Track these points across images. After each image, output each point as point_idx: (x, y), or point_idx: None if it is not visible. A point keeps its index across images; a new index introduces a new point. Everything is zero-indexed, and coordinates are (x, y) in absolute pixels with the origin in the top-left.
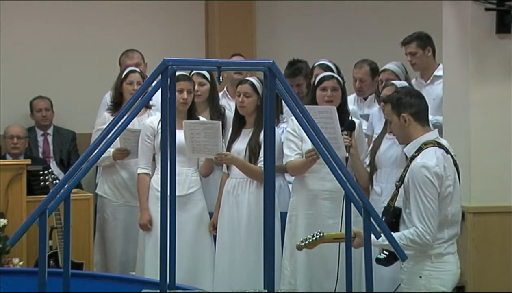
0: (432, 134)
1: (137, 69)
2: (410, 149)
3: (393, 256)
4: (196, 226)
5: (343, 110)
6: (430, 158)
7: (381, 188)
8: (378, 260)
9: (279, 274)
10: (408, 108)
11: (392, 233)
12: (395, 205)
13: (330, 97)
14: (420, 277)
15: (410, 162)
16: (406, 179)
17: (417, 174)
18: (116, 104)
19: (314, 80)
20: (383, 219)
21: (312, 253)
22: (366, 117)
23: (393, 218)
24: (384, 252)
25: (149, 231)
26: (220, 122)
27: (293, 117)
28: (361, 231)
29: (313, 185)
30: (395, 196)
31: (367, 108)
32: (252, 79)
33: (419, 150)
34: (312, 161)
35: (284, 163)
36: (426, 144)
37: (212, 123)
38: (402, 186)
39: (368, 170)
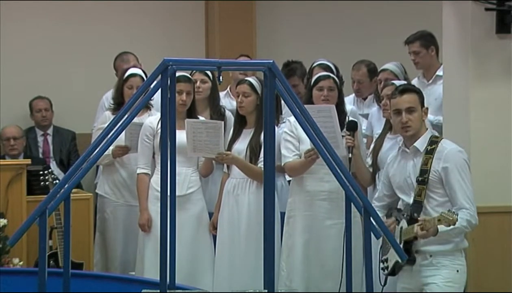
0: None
1: (138, 73)
2: (421, 143)
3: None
4: (196, 226)
5: (340, 110)
6: (458, 147)
7: None
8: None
9: (277, 275)
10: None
11: None
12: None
13: (326, 97)
14: (458, 271)
15: (427, 154)
16: (438, 168)
17: (456, 157)
18: (118, 104)
19: (311, 80)
20: (415, 215)
21: (309, 254)
22: (366, 116)
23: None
24: (385, 264)
25: (149, 231)
26: (222, 122)
27: (290, 118)
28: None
29: (311, 186)
30: (422, 190)
31: (366, 108)
32: (251, 79)
33: (433, 142)
34: (311, 161)
35: (282, 164)
36: (436, 138)
37: (214, 123)
38: (428, 178)
39: (371, 170)
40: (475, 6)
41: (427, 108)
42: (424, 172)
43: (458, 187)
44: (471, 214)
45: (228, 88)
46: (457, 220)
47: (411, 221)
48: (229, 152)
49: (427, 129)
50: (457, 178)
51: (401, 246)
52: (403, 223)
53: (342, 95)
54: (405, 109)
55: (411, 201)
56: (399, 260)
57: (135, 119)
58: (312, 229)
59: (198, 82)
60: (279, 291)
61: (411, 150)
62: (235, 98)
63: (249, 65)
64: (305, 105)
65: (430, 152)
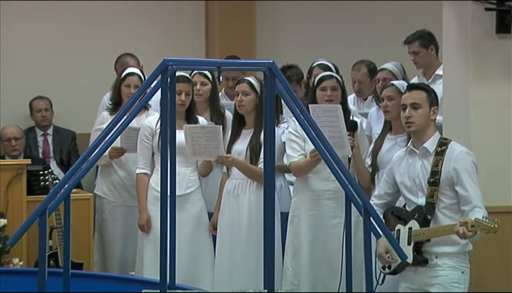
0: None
1: (136, 72)
2: (431, 144)
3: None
4: (195, 226)
5: (343, 108)
6: (467, 149)
7: None
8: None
9: (279, 275)
10: (437, 105)
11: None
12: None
13: (330, 96)
14: (462, 272)
15: (437, 155)
16: (449, 169)
17: (465, 159)
18: (115, 104)
19: (314, 80)
20: (428, 217)
21: (315, 253)
22: (366, 115)
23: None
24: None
25: (148, 231)
26: (221, 126)
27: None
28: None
29: (316, 185)
30: (434, 191)
31: (367, 108)
32: (250, 78)
33: (443, 144)
34: (317, 160)
35: (287, 164)
36: (446, 140)
37: (213, 127)
38: (440, 180)
39: (370, 170)
40: (475, 6)
41: (436, 108)
42: (435, 173)
43: (470, 187)
44: (485, 213)
45: (223, 90)
46: (497, 228)
47: (425, 222)
48: (229, 155)
49: (436, 130)
50: (468, 179)
51: (411, 246)
52: (413, 224)
53: (346, 94)
54: (410, 104)
55: (419, 201)
56: (401, 260)
57: (132, 121)
58: (317, 228)
59: (198, 85)
60: (283, 290)
61: (420, 151)
62: (231, 99)
63: (249, 65)
64: (312, 105)
65: (440, 154)
